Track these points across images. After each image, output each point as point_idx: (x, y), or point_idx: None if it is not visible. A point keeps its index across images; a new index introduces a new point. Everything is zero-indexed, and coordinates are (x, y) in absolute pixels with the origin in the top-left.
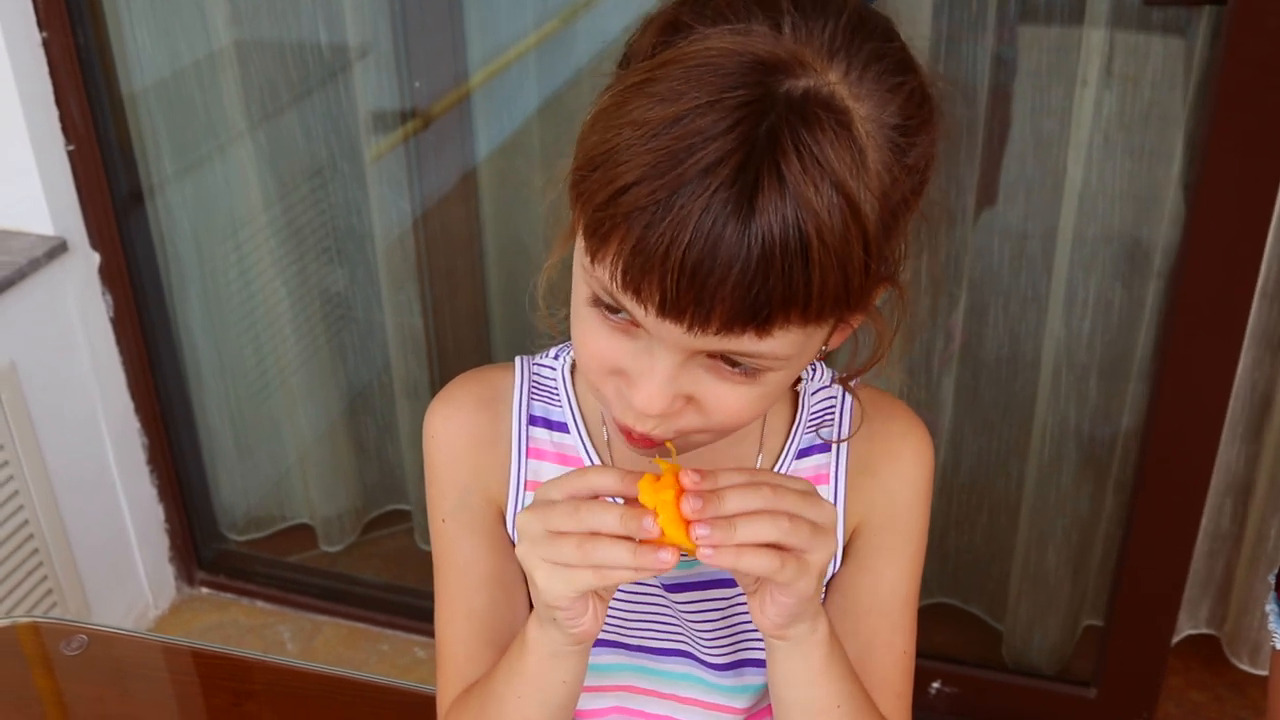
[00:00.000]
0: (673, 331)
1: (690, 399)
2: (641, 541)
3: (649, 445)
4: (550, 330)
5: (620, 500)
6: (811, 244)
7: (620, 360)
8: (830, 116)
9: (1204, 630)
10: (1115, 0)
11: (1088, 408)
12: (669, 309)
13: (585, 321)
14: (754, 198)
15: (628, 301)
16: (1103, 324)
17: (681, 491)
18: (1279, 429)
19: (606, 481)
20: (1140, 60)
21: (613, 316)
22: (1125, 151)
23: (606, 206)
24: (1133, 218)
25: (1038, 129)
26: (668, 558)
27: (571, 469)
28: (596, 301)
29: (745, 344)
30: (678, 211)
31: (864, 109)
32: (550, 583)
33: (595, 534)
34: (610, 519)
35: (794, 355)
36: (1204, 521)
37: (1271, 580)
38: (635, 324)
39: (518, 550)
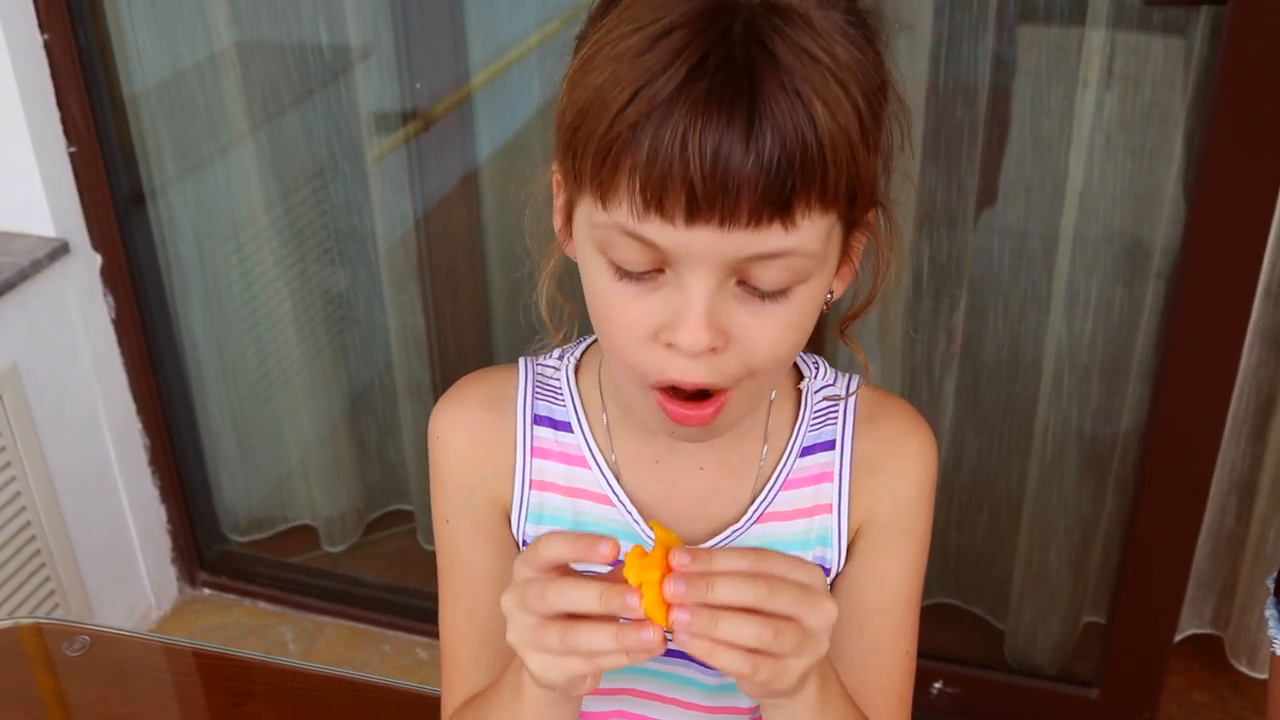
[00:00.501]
0: (703, 238)
1: (729, 339)
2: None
3: (697, 417)
4: (558, 344)
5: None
6: (816, 112)
7: (655, 316)
8: (794, 15)
9: (1208, 630)
10: (1115, 0)
11: (1089, 407)
12: (699, 208)
13: (607, 296)
14: (752, 76)
15: (652, 228)
16: (1104, 324)
17: (669, 570)
18: None
19: (558, 550)
20: (1140, 60)
21: (634, 274)
22: (1126, 151)
23: (609, 133)
24: (1133, 218)
25: (1038, 129)
26: (649, 638)
27: (542, 535)
28: (612, 267)
29: (773, 240)
30: (682, 107)
31: (817, 14)
32: (543, 670)
33: (576, 618)
34: (586, 597)
35: (817, 253)
36: (1208, 521)
37: (1270, 584)
38: (659, 270)
39: (509, 638)
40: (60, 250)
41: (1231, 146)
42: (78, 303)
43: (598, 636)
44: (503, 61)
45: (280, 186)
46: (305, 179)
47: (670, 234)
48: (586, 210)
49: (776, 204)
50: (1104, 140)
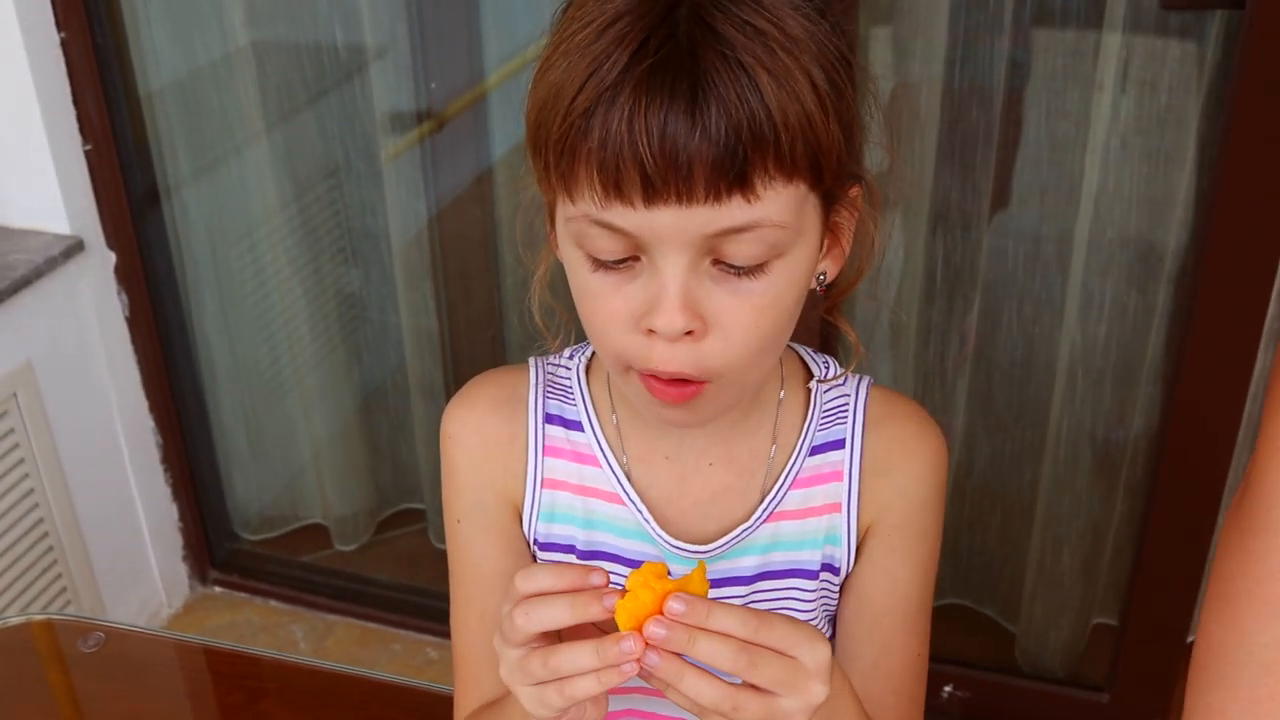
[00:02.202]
0: (666, 217)
1: (707, 324)
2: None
3: (680, 394)
4: (555, 349)
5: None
6: (762, 82)
7: (634, 303)
8: None
9: None
10: (1132, 4)
11: (1102, 411)
12: (655, 188)
13: (588, 289)
14: (694, 52)
15: (615, 213)
16: (1117, 327)
17: (660, 611)
18: None
19: (539, 582)
20: (1156, 64)
21: (610, 264)
22: (1141, 155)
23: (564, 124)
24: (1148, 221)
25: (1053, 132)
26: (630, 647)
27: (520, 570)
28: (589, 260)
29: (737, 213)
30: (627, 89)
31: None
32: (531, 704)
33: (556, 644)
34: (557, 610)
35: (790, 225)
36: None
37: None
38: (635, 258)
39: (500, 674)
40: (75, 248)
41: (1246, 151)
42: (92, 301)
43: (579, 655)
44: (517, 61)
45: (294, 186)
46: (319, 178)
47: (633, 217)
48: (561, 208)
49: (732, 176)
50: (1119, 144)
